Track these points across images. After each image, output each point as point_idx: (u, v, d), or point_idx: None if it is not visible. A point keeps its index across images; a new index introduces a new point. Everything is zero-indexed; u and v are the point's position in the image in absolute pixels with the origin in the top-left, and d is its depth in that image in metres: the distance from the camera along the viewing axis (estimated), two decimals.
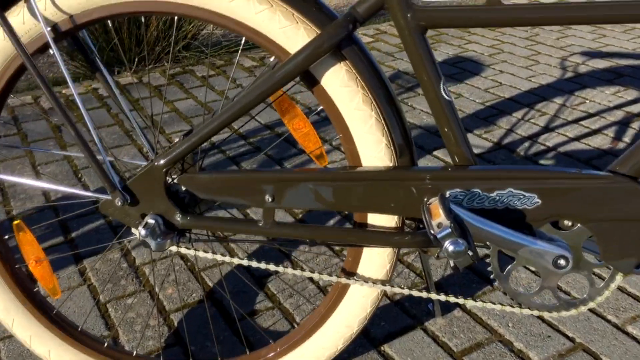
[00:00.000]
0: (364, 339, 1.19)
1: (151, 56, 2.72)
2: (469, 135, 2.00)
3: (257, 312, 1.27)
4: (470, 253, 0.77)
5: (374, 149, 0.89)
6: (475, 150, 1.91)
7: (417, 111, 2.20)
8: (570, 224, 0.89)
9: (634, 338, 1.16)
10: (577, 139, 1.94)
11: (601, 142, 1.91)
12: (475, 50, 2.76)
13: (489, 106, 2.21)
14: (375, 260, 0.94)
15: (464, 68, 2.57)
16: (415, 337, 1.19)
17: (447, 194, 0.87)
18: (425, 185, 0.87)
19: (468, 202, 0.87)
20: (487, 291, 1.30)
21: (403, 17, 0.83)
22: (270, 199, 0.88)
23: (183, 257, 1.44)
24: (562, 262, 0.87)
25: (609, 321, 1.20)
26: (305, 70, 0.85)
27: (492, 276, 0.92)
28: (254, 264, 0.93)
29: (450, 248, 0.76)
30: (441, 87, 0.86)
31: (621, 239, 0.87)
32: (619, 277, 0.90)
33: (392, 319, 1.24)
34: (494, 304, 0.94)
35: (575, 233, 0.88)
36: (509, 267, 0.91)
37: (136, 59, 2.67)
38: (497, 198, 0.87)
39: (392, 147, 0.89)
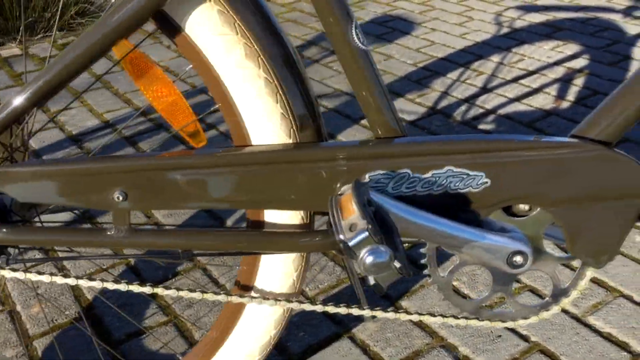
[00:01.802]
0: (279, 356, 0.97)
1: (40, 24, 2.37)
2: (401, 101, 1.79)
3: (147, 330, 1.02)
4: (397, 264, 0.54)
5: (265, 121, 0.65)
6: (408, 117, 1.70)
7: (343, 76, 1.96)
8: (527, 208, 0.68)
9: (597, 331, 0.99)
10: (518, 99, 1.75)
11: (543, 101, 1.73)
12: (405, 8, 2.54)
13: (422, 67, 2.00)
14: (277, 269, 0.71)
15: (393, 27, 2.35)
16: (342, 348, 0.98)
17: (367, 178, 0.64)
18: (337, 167, 0.64)
19: (395, 187, 0.65)
20: (425, 284, 1.10)
21: None
22: (120, 198, 0.63)
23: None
24: (518, 259, 0.66)
25: (567, 312, 1.02)
26: (157, 10, 0.60)
27: (429, 280, 0.70)
28: (110, 285, 0.68)
29: (369, 259, 0.54)
30: (352, 31, 0.63)
31: (593, 223, 0.67)
32: (589, 273, 0.71)
33: (313, 327, 1.02)
34: (433, 316, 0.73)
35: (535, 219, 0.68)
36: (451, 268, 0.69)
37: (22, 28, 2.31)
38: (433, 180, 0.65)
39: (290, 118, 0.65)
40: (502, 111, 1.70)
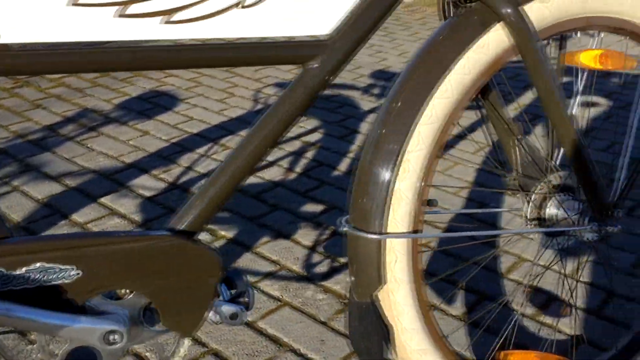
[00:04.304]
0: None
1: None
2: (145, 177, 1.89)
3: None
4: None
5: None
6: (148, 193, 1.80)
7: (95, 153, 2.03)
8: (125, 291, 0.80)
9: None
10: (253, 173, 1.94)
11: (274, 174, 1.94)
12: (174, 84, 2.68)
13: (174, 143, 2.13)
14: None
15: (157, 103, 2.47)
16: None
17: None
18: None
19: None
20: None
21: None
22: None
23: None
24: (114, 337, 0.78)
25: None
26: None
27: None
28: None
29: None
30: None
31: (178, 300, 0.80)
32: (186, 341, 0.84)
33: None
34: None
35: (132, 301, 0.80)
36: (64, 347, 0.78)
37: None
38: (28, 276, 0.74)
39: None
40: None
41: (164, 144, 2.12)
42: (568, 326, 1.30)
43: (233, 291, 0.88)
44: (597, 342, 1.25)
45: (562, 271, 1.09)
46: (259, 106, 2.49)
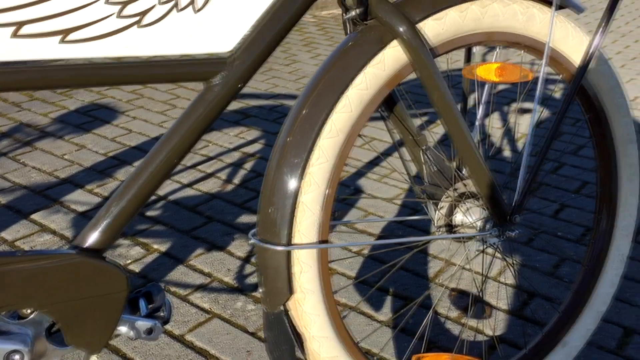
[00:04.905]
0: None
1: None
2: (79, 192, 1.87)
3: None
4: None
5: None
6: (81, 208, 1.78)
7: (28, 169, 2.00)
8: (29, 310, 0.80)
9: None
10: (190, 185, 1.94)
11: (212, 186, 1.94)
12: (114, 97, 2.66)
13: (111, 157, 2.11)
14: None
15: (96, 116, 2.45)
16: None
17: None
18: None
19: None
20: None
21: None
22: None
23: None
24: (16, 357, 0.77)
25: None
26: None
27: None
28: None
29: None
30: None
31: (84, 318, 0.81)
32: (94, 358, 0.84)
33: None
34: None
35: (35, 320, 0.80)
36: None
37: None
38: None
39: None
40: (172, 197, 1.87)
41: (100, 157, 2.10)
42: (487, 327, 1.34)
43: (151, 306, 0.89)
44: (517, 342, 1.30)
45: (473, 271, 1.13)
46: None
